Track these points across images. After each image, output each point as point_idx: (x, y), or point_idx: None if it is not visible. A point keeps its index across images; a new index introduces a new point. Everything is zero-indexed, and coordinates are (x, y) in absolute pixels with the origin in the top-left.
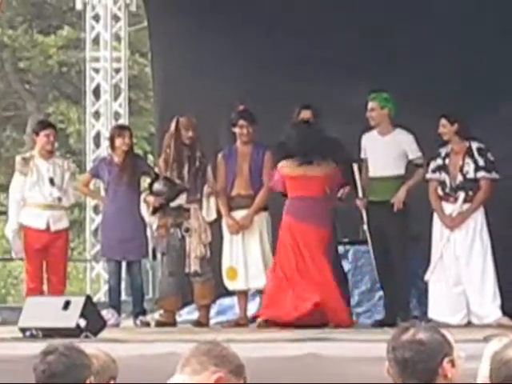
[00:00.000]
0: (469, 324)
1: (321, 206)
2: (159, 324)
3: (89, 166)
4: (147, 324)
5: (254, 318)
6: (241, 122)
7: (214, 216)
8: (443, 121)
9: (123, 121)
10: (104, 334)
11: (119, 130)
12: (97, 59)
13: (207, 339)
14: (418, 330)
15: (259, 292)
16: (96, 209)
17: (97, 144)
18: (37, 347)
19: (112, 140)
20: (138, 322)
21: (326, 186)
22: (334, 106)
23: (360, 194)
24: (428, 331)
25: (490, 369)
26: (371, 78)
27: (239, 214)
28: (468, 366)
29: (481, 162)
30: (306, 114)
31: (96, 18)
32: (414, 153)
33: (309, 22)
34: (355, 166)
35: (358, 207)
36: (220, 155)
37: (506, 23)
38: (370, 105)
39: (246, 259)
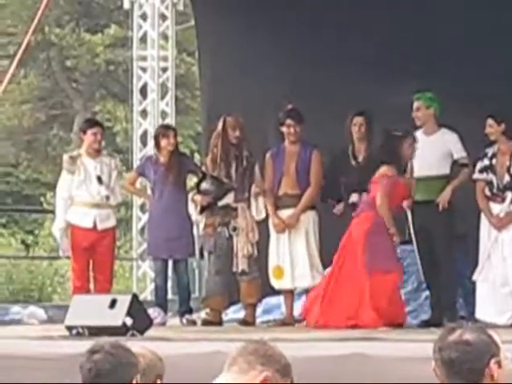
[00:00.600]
0: None
1: (364, 208)
2: (205, 323)
3: (135, 164)
4: (193, 323)
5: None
6: (288, 121)
7: (263, 215)
8: (490, 121)
9: (170, 120)
10: (150, 332)
11: (164, 129)
12: (144, 58)
13: (254, 338)
14: (464, 330)
15: (305, 291)
16: (143, 207)
17: (144, 143)
18: (83, 345)
19: (157, 140)
20: (184, 320)
21: (375, 190)
22: (378, 105)
23: None
24: (475, 332)
25: None
26: (415, 77)
27: (286, 213)
28: None
29: None
30: (358, 121)
31: (143, 16)
32: (459, 152)
33: (353, 21)
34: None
35: (403, 207)
36: (268, 154)
37: None
38: (416, 104)
39: (293, 258)
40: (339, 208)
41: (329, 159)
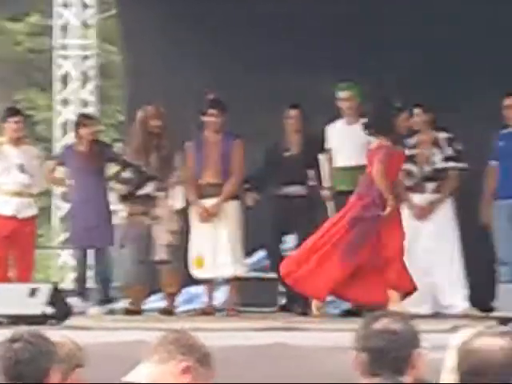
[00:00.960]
0: (436, 314)
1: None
2: (126, 312)
3: (56, 153)
4: (114, 312)
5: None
6: (210, 110)
7: (180, 204)
8: (417, 110)
9: (92, 108)
10: (70, 321)
11: (84, 119)
12: (66, 47)
13: (174, 328)
14: (390, 319)
15: (226, 281)
16: (64, 196)
17: (65, 131)
18: (2, 334)
19: (77, 129)
20: (104, 309)
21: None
22: (301, 95)
23: (326, 184)
24: (400, 321)
25: (456, 359)
26: (338, 67)
27: (208, 203)
28: (435, 357)
29: (449, 152)
30: (292, 114)
31: (66, 5)
32: None
33: (276, 12)
34: (322, 156)
35: (324, 197)
36: (189, 144)
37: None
38: (344, 94)
39: (214, 248)
40: (252, 198)
41: (258, 150)
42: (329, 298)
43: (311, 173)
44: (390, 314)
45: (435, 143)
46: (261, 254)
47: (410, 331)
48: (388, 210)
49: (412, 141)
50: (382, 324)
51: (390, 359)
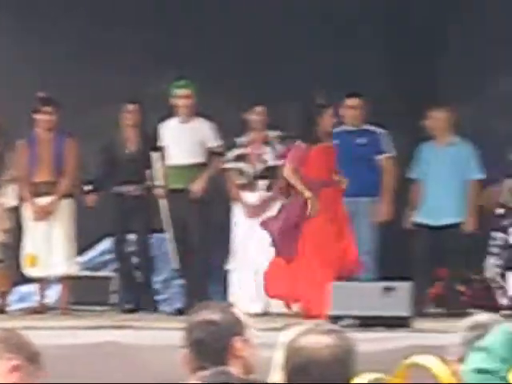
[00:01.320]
0: (268, 313)
1: None
2: None
3: None
4: None
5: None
6: (44, 108)
7: (13, 203)
8: (259, 108)
9: None
10: None
11: None
12: None
13: (5, 327)
14: (209, 310)
15: (59, 279)
16: None
17: None
18: None
19: None
20: None
21: None
22: (139, 94)
23: (159, 182)
24: (219, 311)
25: (284, 357)
26: (173, 66)
27: (42, 201)
28: (266, 355)
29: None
30: (130, 108)
31: None
32: (214, 141)
33: (114, 8)
34: (154, 154)
35: (157, 195)
36: (21, 142)
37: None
38: (181, 92)
39: (48, 246)
40: (91, 199)
41: (91, 148)
42: (164, 296)
43: (148, 172)
44: (211, 305)
45: (266, 142)
46: (98, 250)
47: (229, 320)
48: (309, 204)
49: (243, 139)
50: (201, 316)
51: (211, 349)
